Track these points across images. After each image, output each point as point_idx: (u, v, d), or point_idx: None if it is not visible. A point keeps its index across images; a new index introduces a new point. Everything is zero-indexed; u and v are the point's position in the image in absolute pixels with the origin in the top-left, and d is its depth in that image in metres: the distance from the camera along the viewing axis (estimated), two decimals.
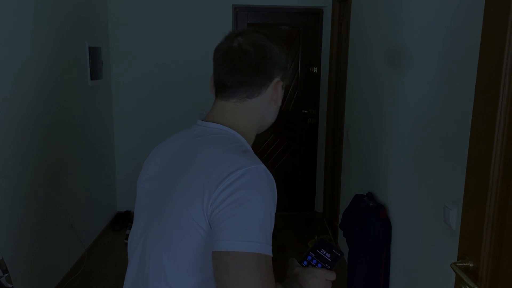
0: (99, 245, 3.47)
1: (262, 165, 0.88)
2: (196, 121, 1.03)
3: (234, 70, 0.95)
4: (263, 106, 1.00)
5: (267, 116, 1.03)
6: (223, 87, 0.98)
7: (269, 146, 4.23)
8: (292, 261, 0.99)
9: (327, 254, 0.98)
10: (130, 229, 3.77)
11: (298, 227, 3.96)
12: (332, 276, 0.94)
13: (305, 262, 0.98)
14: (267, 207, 0.83)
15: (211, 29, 3.84)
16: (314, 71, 4.05)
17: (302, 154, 4.24)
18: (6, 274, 1.53)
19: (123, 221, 3.89)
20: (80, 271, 3.00)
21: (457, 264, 1.08)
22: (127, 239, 3.58)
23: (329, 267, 0.96)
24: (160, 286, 0.88)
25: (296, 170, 4.28)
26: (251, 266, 0.78)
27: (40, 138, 2.58)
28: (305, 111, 4.14)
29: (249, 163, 0.86)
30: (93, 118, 3.44)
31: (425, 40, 1.73)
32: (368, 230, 2.20)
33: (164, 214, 0.90)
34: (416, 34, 1.83)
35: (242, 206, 0.80)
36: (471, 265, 1.05)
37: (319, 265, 0.97)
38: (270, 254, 0.82)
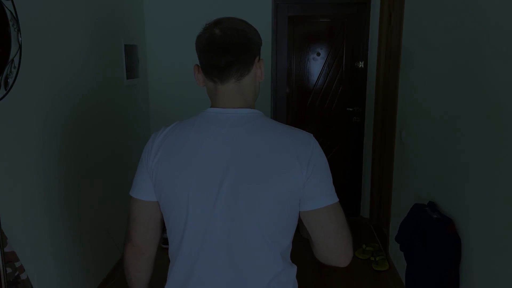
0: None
1: (312, 134, 1.07)
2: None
3: (224, 52, 1.02)
4: (253, 83, 1.10)
5: (257, 92, 1.14)
6: (217, 69, 1.04)
7: None
8: None
9: None
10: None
11: None
12: None
13: None
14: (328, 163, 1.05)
15: (251, 24, 3.64)
16: (360, 66, 3.77)
17: (347, 155, 3.98)
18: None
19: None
20: (117, 277, 2.88)
21: None
22: (164, 243, 3.44)
23: None
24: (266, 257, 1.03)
25: (340, 172, 4.02)
26: (340, 210, 1.03)
27: (75, 140, 2.47)
28: (350, 109, 3.87)
29: (309, 136, 1.06)
30: (129, 118, 3.32)
31: None
32: (433, 247, 1.94)
33: (253, 197, 0.98)
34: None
35: (322, 169, 1.01)
36: None
37: None
38: None
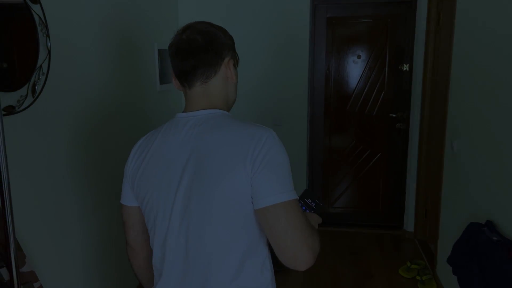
0: None
1: (271, 130, 1.01)
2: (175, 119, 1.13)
3: (188, 56, 1.06)
4: (223, 84, 1.11)
5: (229, 94, 1.14)
6: (184, 74, 1.08)
7: (351, 154, 3.78)
8: None
9: (312, 203, 1.16)
10: None
11: (385, 248, 3.47)
12: (320, 220, 1.15)
13: None
14: (288, 160, 1.00)
15: (287, 26, 3.49)
16: (405, 69, 3.53)
17: (389, 163, 3.74)
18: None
19: None
20: None
21: None
22: None
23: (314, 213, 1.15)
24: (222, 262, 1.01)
25: (381, 181, 3.78)
26: (293, 210, 0.96)
27: (105, 147, 2.40)
28: (393, 115, 3.63)
29: (265, 131, 0.99)
30: (161, 124, 3.24)
31: None
32: (493, 274, 1.71)
33: (203, 198, 0.98)
34: None
35: (272, 166, 0.95)
36: None
37: (307, 210, 1.15)
38: (297, 197, 0.99)
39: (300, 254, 0.95)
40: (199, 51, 1.06)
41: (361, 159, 3.78)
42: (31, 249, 1.72)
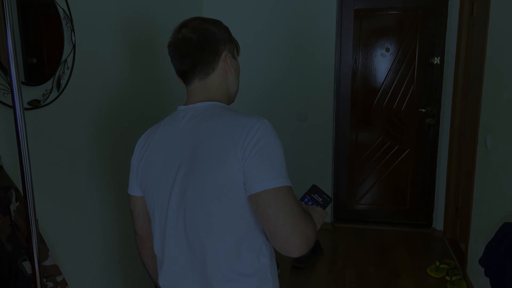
0: None
1: (265, 119, 1.03)
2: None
3: (185, 56, 1.10)
4: (222, 78, 1.13)
5: (230, 87, 1.17)
6: (183, 73, 1.12)
7: (378, 150, 3.69)
8: None
9: (319, 198, 1.19)
10: None
11: (413, 247, 3.37)
12: (326, 214, 1.17)
13: (303, 203, 1.18)
14: (281, 149, 1.01)
15: (313, 18, 3.42)
16: (435, 62, 3.41)
17: (418, 160, 3.62)
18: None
19: None
20: None
21: None
22: None
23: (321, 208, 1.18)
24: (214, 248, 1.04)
25: (410, 179, 3.67)
26: (285, 196, 0.97)
27: (129, 142, 2.40)
28: (423, 110, 3.52)
29: (257, 120, 1.01)
30: None
31: None
32: None
33: (197, 186, 1.01)
34: None
35: (263, 152, 0.97)
36: None
37: (314, 205, 1.18)
38: (291, 185, 1.01)
39: (292, 240, 0.95)
40: (194, 51, 1.09)
41: (389, 155, 3.68)
42: (55, 243, 1.74)
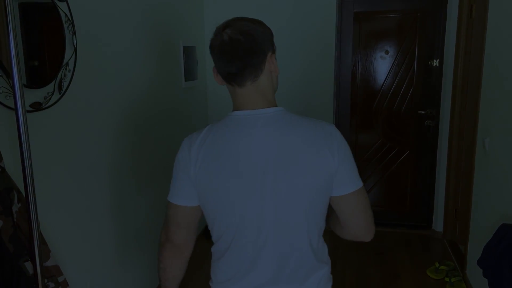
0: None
1: (332, 124, 1.13)
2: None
3: (233, 58, 1.07)
4: (270, 79, 1.15)
5: (274, 86, 1.19)
6: (231, 75, 1.10)
7: (378, 152, 3.70)
8: None
9: None
10: None
11: (413, 249, 3.38)
12: None
13: None
14: None
15: (313, 21, 3.44)
16: (435, 64, 3.43)
17: (417, 162, 3.64)
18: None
19: None
20: None
21: None
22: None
23: None
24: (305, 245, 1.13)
25: (410, 180, 3.69)
26: (365, 192, 1.15)
27: (131, 144, 2.43)
28: (422, 112, 3.53)
29: (330, 125, 1.12)
30: (186, 121, 3.26)
31: None
32: None
33: (290, 190, 1.06)
34: None
35: (349, 157, 1.11)
36: None
37: None
38: None
39: (373, 225, 1.17)
40: (245, 53, 1.07)
41: (389, 157, 3.69)
42: (56, 244, 1.76)
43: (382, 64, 3.56)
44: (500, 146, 2.25)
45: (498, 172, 2.25)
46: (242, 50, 1.07)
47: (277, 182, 1.06)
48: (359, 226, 1.16)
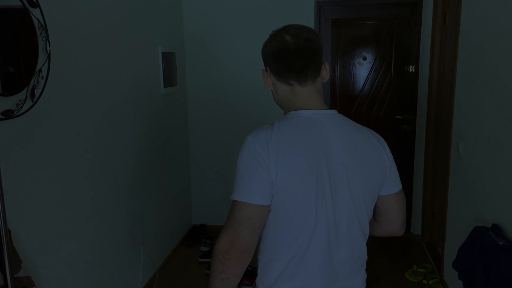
0: (171, 264, 3.25)
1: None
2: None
3: (300, 56, 1.12)
4: (321, 83, 1.20)
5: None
6: (294, 72, 1.14)
7: None
8: None
9: None
10: (205, 245, 3.53)
11: (392, 252, 3.42)
12: None
13: None
14: None
15: None
16: (410, 70, 3.49)
17: (396, 165, 3.68)
18: None
19: (198, 235, 3.66)
20: None
21: None
22: (201, 257, 3.33)
23: None
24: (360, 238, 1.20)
25: None
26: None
27: (108, 151, 2.40)
28: (399, 117, 3.59)
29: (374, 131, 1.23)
30: (166, 127, 3.24)
31: None
32: (499, 279, 1.67)
33: (363, 188, 1.15)
34: None
35: (393, 158, 1.22)
36: None
37: None
38: None
39: (405, 221, 1.31)
40: (309, 52, 1.13)
41: None
42: (28, 254, 1.72)
43: (360, 70, 3.61)
44: (473, 150, 2.30)
45: (472, 175, 2.31)
46: (307, 49, 1.13)
47: (350, 182, 1.13)
48: (401, 221, 1.27)
